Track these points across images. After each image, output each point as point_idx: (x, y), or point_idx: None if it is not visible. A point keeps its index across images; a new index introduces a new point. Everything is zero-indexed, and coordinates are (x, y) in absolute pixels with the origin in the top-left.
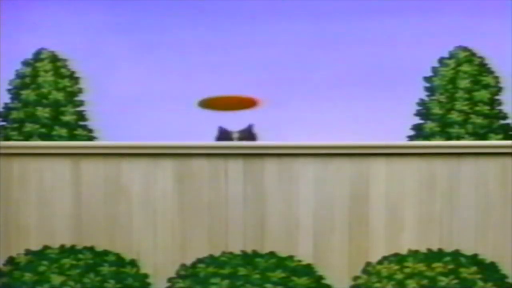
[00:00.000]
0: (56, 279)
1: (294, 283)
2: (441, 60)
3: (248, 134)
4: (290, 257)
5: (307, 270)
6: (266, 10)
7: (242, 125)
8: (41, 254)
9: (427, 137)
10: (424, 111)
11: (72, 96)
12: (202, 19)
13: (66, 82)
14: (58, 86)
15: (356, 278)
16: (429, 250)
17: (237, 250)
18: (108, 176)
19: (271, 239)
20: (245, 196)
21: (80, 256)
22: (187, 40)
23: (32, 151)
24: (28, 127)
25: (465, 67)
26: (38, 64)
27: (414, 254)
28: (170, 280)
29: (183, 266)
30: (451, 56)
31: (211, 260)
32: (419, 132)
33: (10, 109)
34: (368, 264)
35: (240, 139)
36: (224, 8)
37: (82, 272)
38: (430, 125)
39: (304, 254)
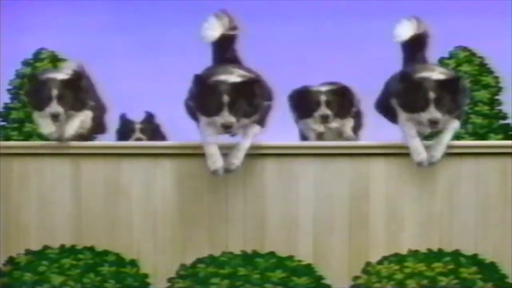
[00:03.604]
0: (56, 279)
1: (294, 283)
2: (441, 60)
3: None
4: (290, 257)
5: (307, 270)
6: (266, 10)
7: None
8: (41, 254)
9: (427, 137)
10: None
11: None
12: (201, 19)
13: None
14: None
15: (356, 278)
16: (429, 250)
17: (237, 250)
18: (108, 176)
19: (271, 239)
20: (245, 196)
21: (80, 256)
22: (186, 40)
23: (32, 151)
24: (28, 127)
25: (465, 67)
26: (38, 64)
27: (414, 254)
28: (170, 280)
29: (183, 266)
30: (451, 56)
31: (211, 260)
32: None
33: (10, 109)
34: (368, 264)
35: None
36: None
37: (82, 272)
38: None
39: (304, 254)
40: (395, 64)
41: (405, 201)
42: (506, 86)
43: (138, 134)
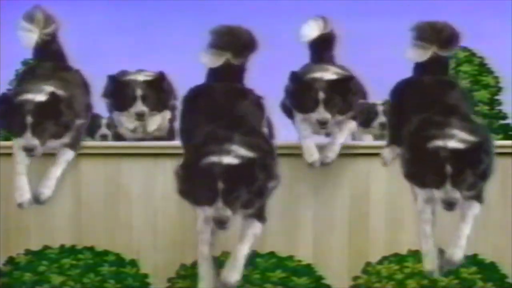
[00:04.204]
0: (56, 279)
1: (294, 283)
2: None
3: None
4: (290, 257)
5: (307, 270)
6: (266, 10)
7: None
8: (41, 254)
9: None
10: None
11: None
12: (202, 19)
13: None
14: None
15: (356, 278)
16: None
17: None
18: (108, 176)
19: (271, 239)
20: None
21: (80, 256)
22: (187, 40)
23: None
24: None
25: (465, 67)
26: None
27: (414, 254)
28: (170, 280)
29: (183, 266)
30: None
31: None
32: None
33: None
34: (368, 264)
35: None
36: (225, 9)
37: (82, 272)
38: None
39: (304, 254)
40: (395, 64)
41: (405, 201)
42: (506, 86)
43: (139, 106)
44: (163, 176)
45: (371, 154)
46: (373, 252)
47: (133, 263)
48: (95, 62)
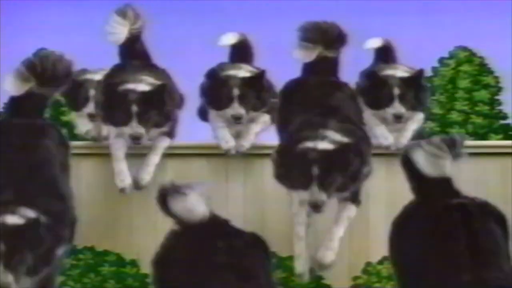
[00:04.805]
0: None
1: (294, 283)
2: (441, 60)
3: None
4: (290, 257)
5: None
6: (267, 10)
7: None
8: None
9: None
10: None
11: None
12: (202, 19)
13: None
14: None
15: (356, 278)
16: None
17: None
18: (108, 176)
19: (271, 239)
20: (245, 196)
21: (80, 256)
22: (187, 40)
23: None
24: None
25: (465, 67)
26: None
27: None
28: None
29: None
30: (451, 56)
31: None
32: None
33: None
34: (368, 264)
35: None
36: (226, 9)
37: (82, 272)
38: (430, 125)
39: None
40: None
41: (405, 201)
42: (506, 86)
43: (135, 127)
44: (163, 176)
45: (371, 154)
46: (373, 252)
47: (133, 263)
48: (95, 62)
